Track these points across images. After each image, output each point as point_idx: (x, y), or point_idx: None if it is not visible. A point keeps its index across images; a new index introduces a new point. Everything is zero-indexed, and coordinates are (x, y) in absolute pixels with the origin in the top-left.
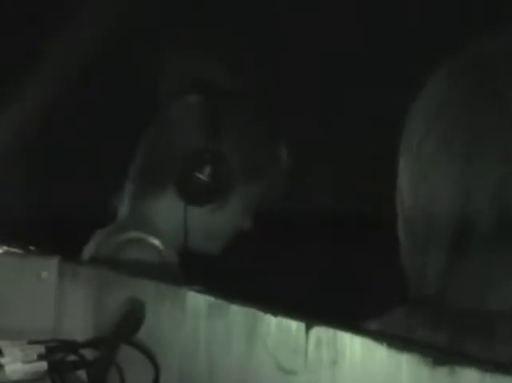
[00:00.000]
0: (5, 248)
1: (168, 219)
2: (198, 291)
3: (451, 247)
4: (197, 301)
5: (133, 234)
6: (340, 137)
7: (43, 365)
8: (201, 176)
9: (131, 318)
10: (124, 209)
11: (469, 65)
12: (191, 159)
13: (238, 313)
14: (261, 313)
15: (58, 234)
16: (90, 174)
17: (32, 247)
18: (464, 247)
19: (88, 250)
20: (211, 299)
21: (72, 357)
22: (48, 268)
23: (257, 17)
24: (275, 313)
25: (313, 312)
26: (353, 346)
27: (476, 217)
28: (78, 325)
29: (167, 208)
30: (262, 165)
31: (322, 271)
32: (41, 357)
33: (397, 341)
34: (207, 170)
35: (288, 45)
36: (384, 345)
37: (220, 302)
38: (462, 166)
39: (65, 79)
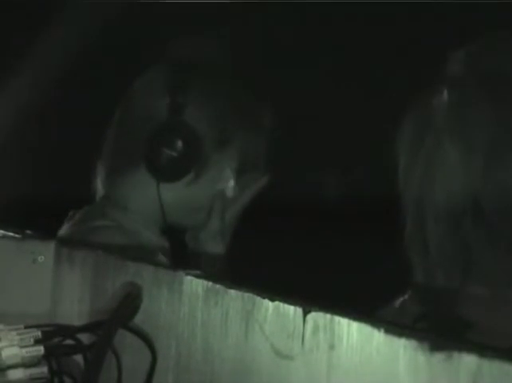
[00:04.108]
0: (2, 232)
1: (143, 199)
2: (196, 276)
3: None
4: (194, 285)
5: (98, 222)
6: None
7: (40, 350)
8: (168, 151)
9: (129, 303)
10: (99, 190)
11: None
12: (157, 134)
13: (235, 297)
14: (258, 298)
15: (55, 218)
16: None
17: (28, 231)
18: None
19: (61, 234)
20: (208, 284)
21: (68, 342)
22: (44, 252)
23: None
24: (273, 299)
25: (314, 298)
26: (350, 332)
27: (477, 199)
28: (75, 310)
29: (141, 187)
30: (237, 130)
31: (324, 257)
32: (37, 342)
33: (394, 326)
34: (175, 143)
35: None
36: (382, 330)
37: (217, 286)
38: (464, 156)
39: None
